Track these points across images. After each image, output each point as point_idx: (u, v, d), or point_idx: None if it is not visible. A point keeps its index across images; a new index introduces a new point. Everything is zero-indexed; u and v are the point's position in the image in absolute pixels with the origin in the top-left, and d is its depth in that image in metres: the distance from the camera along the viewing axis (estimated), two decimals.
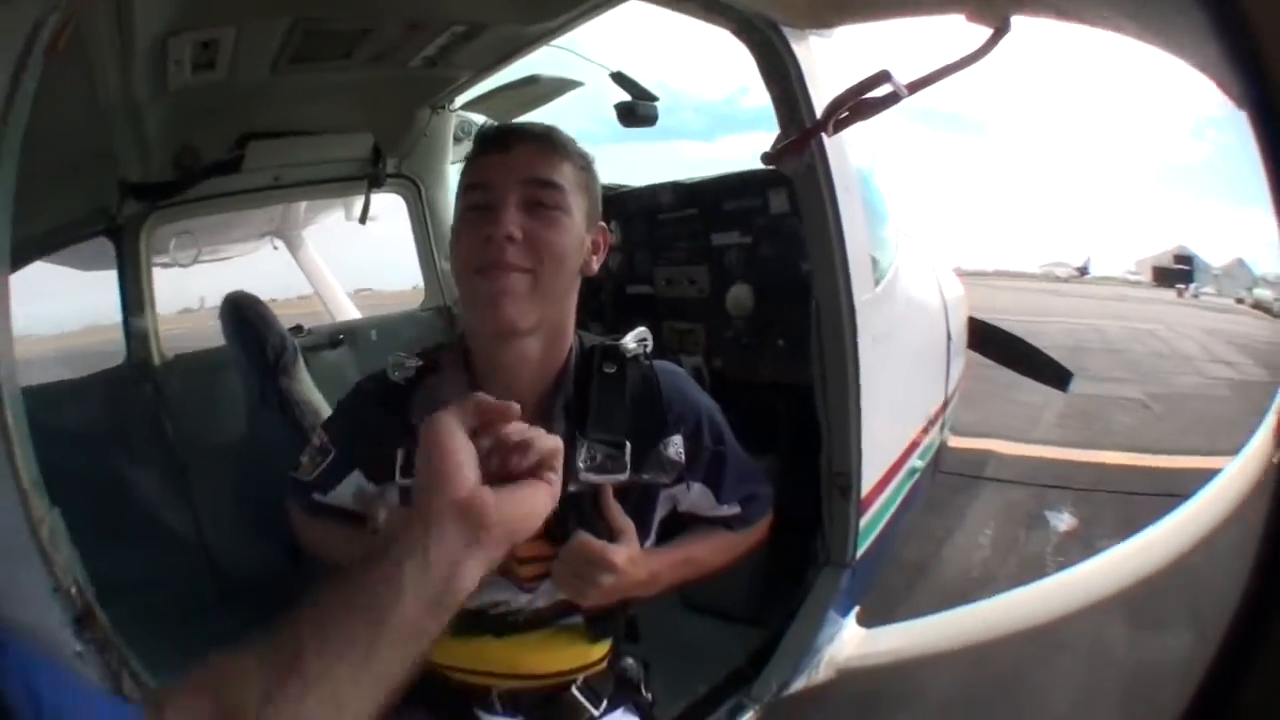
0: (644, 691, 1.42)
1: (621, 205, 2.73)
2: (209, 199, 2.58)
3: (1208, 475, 4.63)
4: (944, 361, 2.52)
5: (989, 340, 3.71)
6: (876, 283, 1.79)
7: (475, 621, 1.24)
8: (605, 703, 1.34)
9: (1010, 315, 7.19)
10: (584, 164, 1.22)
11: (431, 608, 0.59)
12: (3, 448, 1.01)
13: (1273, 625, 0.61)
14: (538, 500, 0.68)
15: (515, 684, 1.31)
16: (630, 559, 1.20)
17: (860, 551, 1.95)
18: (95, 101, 1.95)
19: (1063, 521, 4.20)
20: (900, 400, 2.06)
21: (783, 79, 1.58)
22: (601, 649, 1.34)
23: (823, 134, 1.49)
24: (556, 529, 1.19)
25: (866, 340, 1.69)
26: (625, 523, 1.23)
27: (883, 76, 1.38)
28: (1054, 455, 5.44)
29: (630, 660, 1.40)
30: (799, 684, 2.05)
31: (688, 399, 1.30)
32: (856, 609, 2.21)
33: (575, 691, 1.33)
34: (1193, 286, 27.00)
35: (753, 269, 2.36)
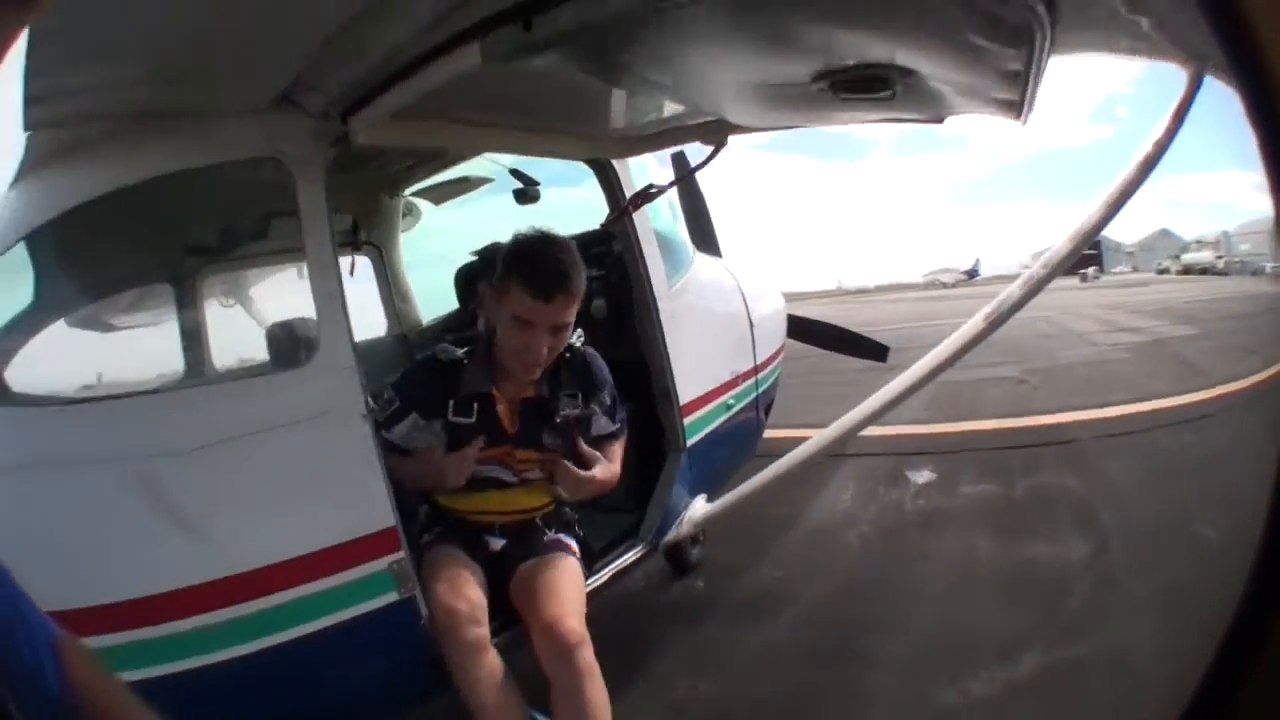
0: (578, 529, 2.17)
1: None
2: (243, 258, 3.30)
3: (1079, 425, 5.33)
4: (748, 342, 3.61)
5: (808, 332, 4.60)
6: (671, 286, 3.04)
7: (485, 484, 2.04)
8: (554, 530, 2.11)
9: (881, 327, 7.54)
10: (584, 281, 1.93)
11: None
12: (341, 315, 1.89)
13: (1273, 625, 0.61)
14: None
15: (506, 518, 2.06)
16: (600, 475, 2.08)
17: (689, 442, 3.01)
18: None
19: (921, 476, 4.45)
20: (703, 354, 3.19)
21: (611, 186, 2.91)
22: (550, 496, 2.13)
23: (631, 212, 2.90)
24: (537, 441, 2.06)
25: (666, 314, 2.92)
26: (593, 454, 2.10)
27: (650, 187, 2.77)
28: (918, 431, 5.48)
29: (568, 508, 2.18)
30: (671, 535, 3.00)
31: (602, 371, 2.16)
32: (704, 495, 3.12)
33: (538, 520, 2.11)
34: (1092, 270, 25.84)
35: (606, 289, 3.23)
